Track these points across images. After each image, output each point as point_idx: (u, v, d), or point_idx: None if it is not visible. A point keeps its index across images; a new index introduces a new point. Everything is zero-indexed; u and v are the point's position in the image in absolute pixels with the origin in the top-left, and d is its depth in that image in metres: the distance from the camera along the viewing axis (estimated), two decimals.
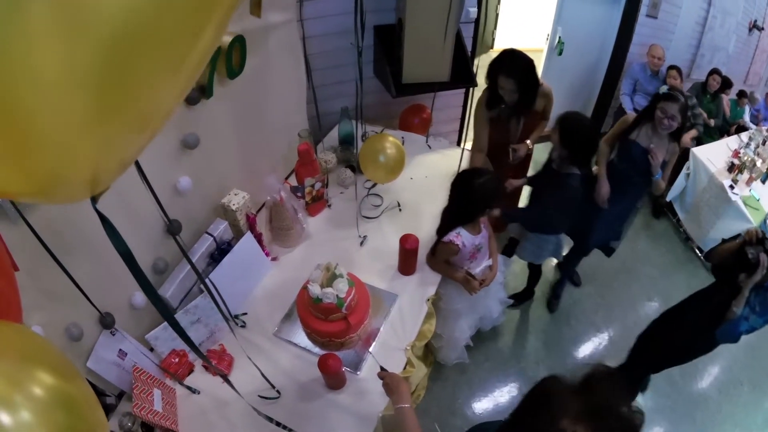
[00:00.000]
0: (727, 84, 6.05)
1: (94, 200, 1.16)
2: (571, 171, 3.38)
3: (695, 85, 6.13)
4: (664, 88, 3.51)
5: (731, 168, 5.19)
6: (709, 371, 4.31)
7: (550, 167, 3.54)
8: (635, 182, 3.74)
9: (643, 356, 3.72)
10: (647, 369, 3.85)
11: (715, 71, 5.97)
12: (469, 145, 3.94)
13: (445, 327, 3.49)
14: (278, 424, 2.24)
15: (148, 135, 1.10)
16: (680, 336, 3.37)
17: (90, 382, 2.28)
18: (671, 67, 5.73)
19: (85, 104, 0.85)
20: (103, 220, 1.19)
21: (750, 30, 6.87)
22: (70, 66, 0.80)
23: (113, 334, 2.37)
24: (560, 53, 5.93)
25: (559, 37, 5.84)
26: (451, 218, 2.99)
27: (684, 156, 5.46)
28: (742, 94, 6.20)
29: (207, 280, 2.59)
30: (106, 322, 2.30)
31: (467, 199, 2.87)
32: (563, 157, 3.38)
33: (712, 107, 6.03)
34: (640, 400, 3.95)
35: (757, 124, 6.21)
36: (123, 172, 1.14)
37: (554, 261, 4.88)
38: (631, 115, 3.82)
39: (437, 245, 3.04)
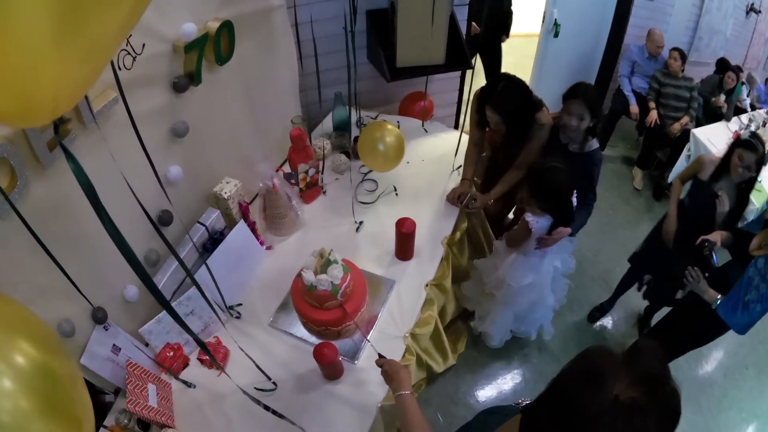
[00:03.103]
0: (740, 70, 5.94)
1: (58, 135, 1.24)
2: (593, 147, 3.25)
3: (711, 79, 6.03)
4: (746, 132, 3.39)
5: None
6: (714, 356, 4.26)
7: (568, 153, 3.30)
8: (701, 226, 3.46)
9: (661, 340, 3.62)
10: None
11: (731, 68, 5.86)
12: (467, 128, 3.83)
13: (494, 309, 3.60)
14: (274, 412, 2.16)
15: (98, 64, 1.23)
16: (697, 317, 3.28)
17: (86, 381, 2.20)
18: (674, 49, 5.65)
19: (47, 29, 0.99)
20: (68, 154, 1.25)
21: (747, 13, 6.83)
22: None
23: (106, 329, 2.31)
24: (556, 35, 5.86)
25: (555, 19, 5.77)
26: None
27: (684, 137, 5.41)
28: (739, 68, 6.10)
29: (202, 268, 2.52)
30: (99, 316, 2.24)
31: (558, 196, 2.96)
32: (581, 133, 3.20)
33: (727, 103, 5.92)
34: None
35: (754, 108, 6.15)
36: (79, 98, 1.30)
37: None
38: (707, 156, 3.65)
39: (517, 232, 3.14)
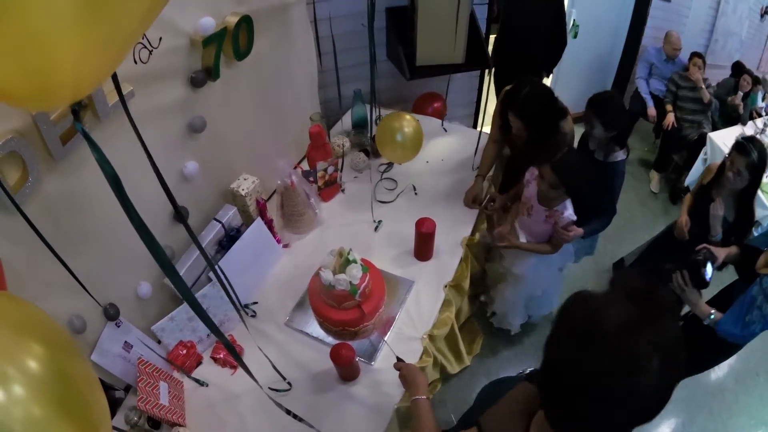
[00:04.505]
0: (757, 81, 5.82)
1: (79, 121, 1.17)
2: (617, 158, 3.12)
3: (727, 82, 5.91)
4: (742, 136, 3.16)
5: None
6: (726, 361, 4.11)
7: (593, 161, 3.20)
8: (699, 235, 3.29)
9: None
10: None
11: (746, 71, 5.75)
12: (487, 129, 3.72)
13: (510, 292, 3.53)
14: (288, 412, 2.07)
15: (120, 49, 1.16)
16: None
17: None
18: (695, 54, 5.53)
19: (69, 6, 0.92)
20: (88, 139, 1.19)
21: (762, 16, 6.70)
22: None
23: (118, 326, 2.25)
24: (575, 36, 5.75)
25: (574, 20, 5.66)
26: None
27: (701, 141, 5.28)
28: (755, 81, 5.99)
29: (215, 268, 2.43)
30: (111, 313, 2.18)
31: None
32: (607, 142, 3.08)
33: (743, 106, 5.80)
34: None
35: None
36: (100, 82, 1.26)
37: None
38: (715, 163, 3.41)
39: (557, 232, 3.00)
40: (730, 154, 3.08)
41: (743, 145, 3.00)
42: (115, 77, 1.43)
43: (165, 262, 1.27)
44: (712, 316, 2.72)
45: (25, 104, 1.19)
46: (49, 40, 0.94)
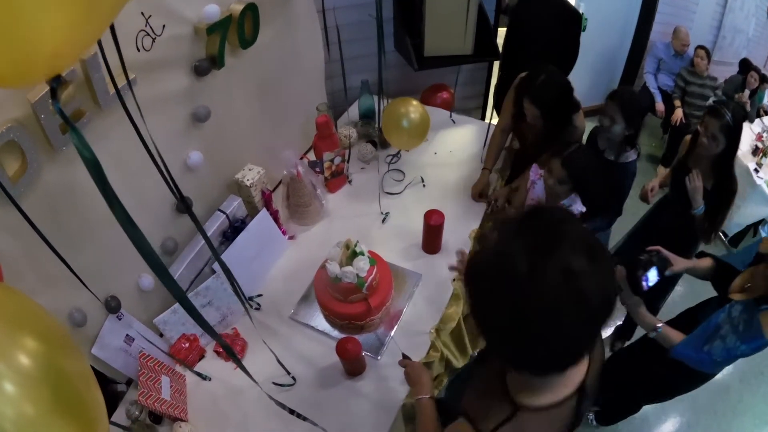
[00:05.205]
0: (765, 79, 5.73)
1: (56, 100, 1.11)
2: (629, 158, 3.04)
3: (735, 79, 5.81)
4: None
5: (755, 151, 4.93)
6: None
7: (603, 160, 3.08)
8: (679, 213, 3.10)
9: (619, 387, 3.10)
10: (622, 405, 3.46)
11: (753, 69, 5.65)
12: (495, 121, 3.65)
13: None
14: (292, 412, 2.03)
15: (102, 19, 1.11)
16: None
17: (97, 370, 2.17)
18: (700, 47, 5.46)
19: None
20: (67, 121, 1.10)
21: None
22: None
23: (120, 319, 2.20)
24: (584, 29, 5.65)
25: (582, 13, 5.57)
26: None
27: None
28: (762, 78, 5.91)
29: (223, 256, 2.40)
30: (112, 305, 2.13)
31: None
32: (620, 141, 2.96)
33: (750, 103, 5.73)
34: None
35: None
36: (79, 55, 1.24)
37: None
38: (689, 137, 3.19)
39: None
40: (702, 119, 2.86)
41: (716, 108, 2.79)
42: (122, 62, 1.38)
43: (149, 257, 1.21)
44: (659, 330, 2.37)
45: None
46: (27, 8, 0.89)
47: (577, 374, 1.32)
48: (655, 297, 3.39)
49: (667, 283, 3.03)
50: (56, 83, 1.05)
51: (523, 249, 1.07)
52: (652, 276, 2.24)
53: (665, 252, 2.36)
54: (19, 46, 0.94)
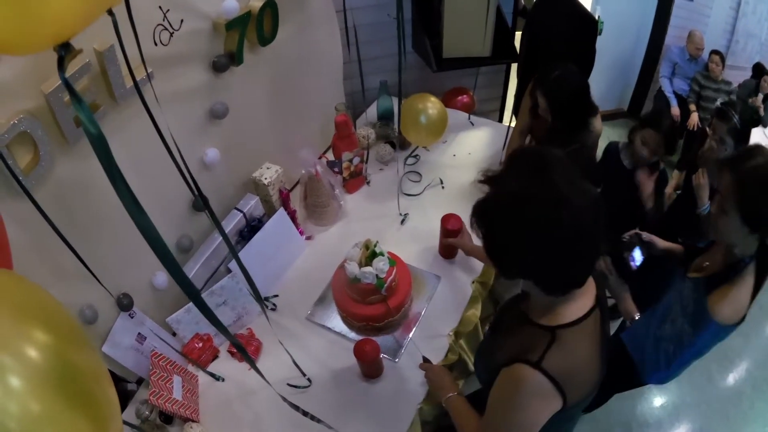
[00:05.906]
0: None
1: (63, 70, 1.05)
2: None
3: (749, 83, 5.74)
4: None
5: None
6: (743, 366, 4.06)
7: (623, 169, 3.02)
8: (688, 212, 3.00)
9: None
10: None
11: (767, 73, 5.57)
12: (514, 123, 3.59)
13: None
14: (305, 414, 1.99)
15: None
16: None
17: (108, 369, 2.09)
18: (714, 52, 5.41)
19: None
20: (72, 92, 1.04)
21: None
22: None
23: (132, 317, 2.16)
24: (600, 33, 5.62)
25: (599, 16, 5.53)
26: None
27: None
28: None
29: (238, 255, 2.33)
30: (124, 303, 2.08)
31: None
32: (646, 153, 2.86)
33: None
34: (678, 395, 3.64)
35: None
36: (87, 20, 1.08)
37: None
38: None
39: None
40: (710, 122, 2.85)
41: (723, 111, 2.81)
42: (141, 54, 1.33)
43: (154, 239, 1.18)
44: (637, 318, 2.36)
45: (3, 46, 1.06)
46: None
47: (590, 286, 1.44)
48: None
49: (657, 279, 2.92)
50: (64, 51, 0.99)
51: (544, 184, 1.22)
52: (638, 255, 2.39)
53: (645, 234, 2.42)
54: (24, 10, 0.90)
